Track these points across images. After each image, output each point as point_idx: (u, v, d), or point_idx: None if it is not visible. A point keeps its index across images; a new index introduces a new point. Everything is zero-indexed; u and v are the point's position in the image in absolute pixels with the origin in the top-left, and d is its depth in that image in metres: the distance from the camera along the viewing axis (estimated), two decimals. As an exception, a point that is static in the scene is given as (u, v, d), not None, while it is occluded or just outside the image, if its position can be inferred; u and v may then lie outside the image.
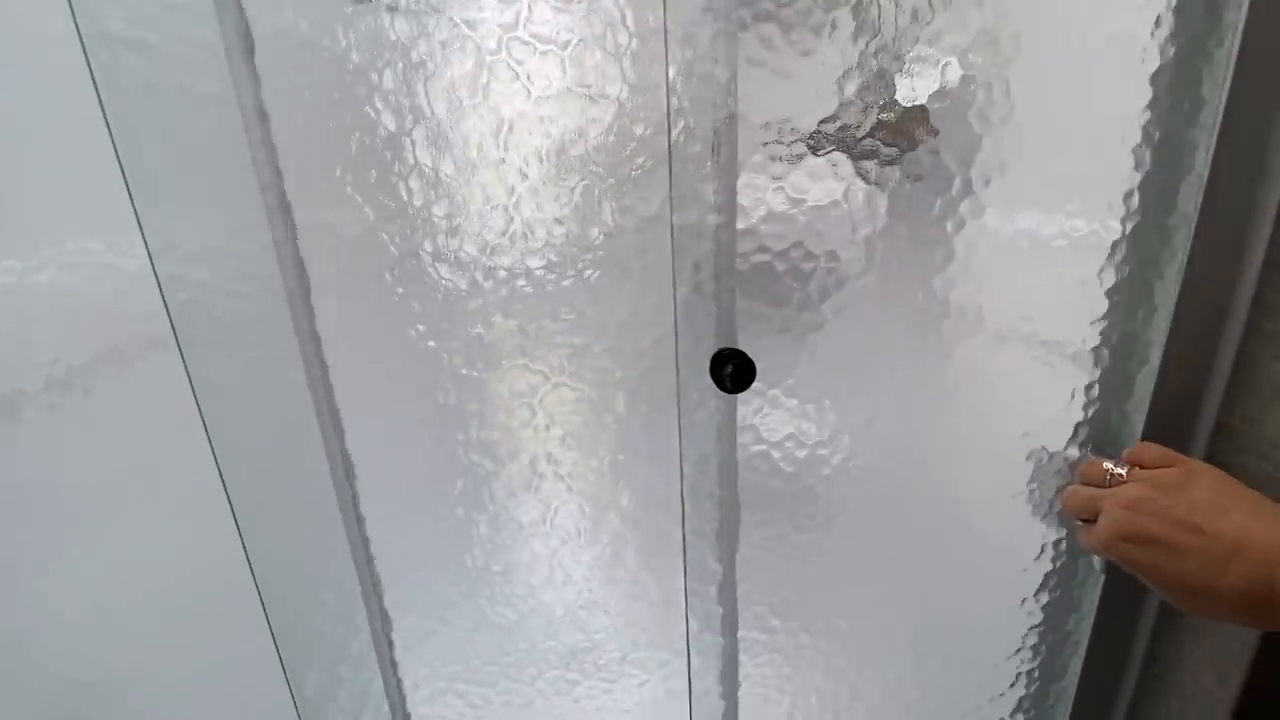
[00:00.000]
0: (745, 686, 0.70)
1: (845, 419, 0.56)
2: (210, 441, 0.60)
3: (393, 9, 0.48)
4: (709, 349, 0.53)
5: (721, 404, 0.57)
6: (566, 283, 0.57)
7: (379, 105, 0.51)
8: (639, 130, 0.52)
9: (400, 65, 0.50)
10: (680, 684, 0.71)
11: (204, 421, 0.59)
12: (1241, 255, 0.47)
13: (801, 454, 0.57)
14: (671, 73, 0.47)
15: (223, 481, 0.62)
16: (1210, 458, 0.51)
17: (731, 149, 0.50)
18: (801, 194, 0.47)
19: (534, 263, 0.56)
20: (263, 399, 0.59)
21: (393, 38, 0.49)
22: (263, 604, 0.67)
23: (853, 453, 0.58)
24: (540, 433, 0.63)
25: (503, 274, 0.56)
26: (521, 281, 0.56)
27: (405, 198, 0.54)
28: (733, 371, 0.52)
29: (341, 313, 0.57)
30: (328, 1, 0.49)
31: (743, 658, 0.68)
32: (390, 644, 0.70)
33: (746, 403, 0.56)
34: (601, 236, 0.55)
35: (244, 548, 0.64)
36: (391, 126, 0.51)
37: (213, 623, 0.67)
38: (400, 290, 0.56)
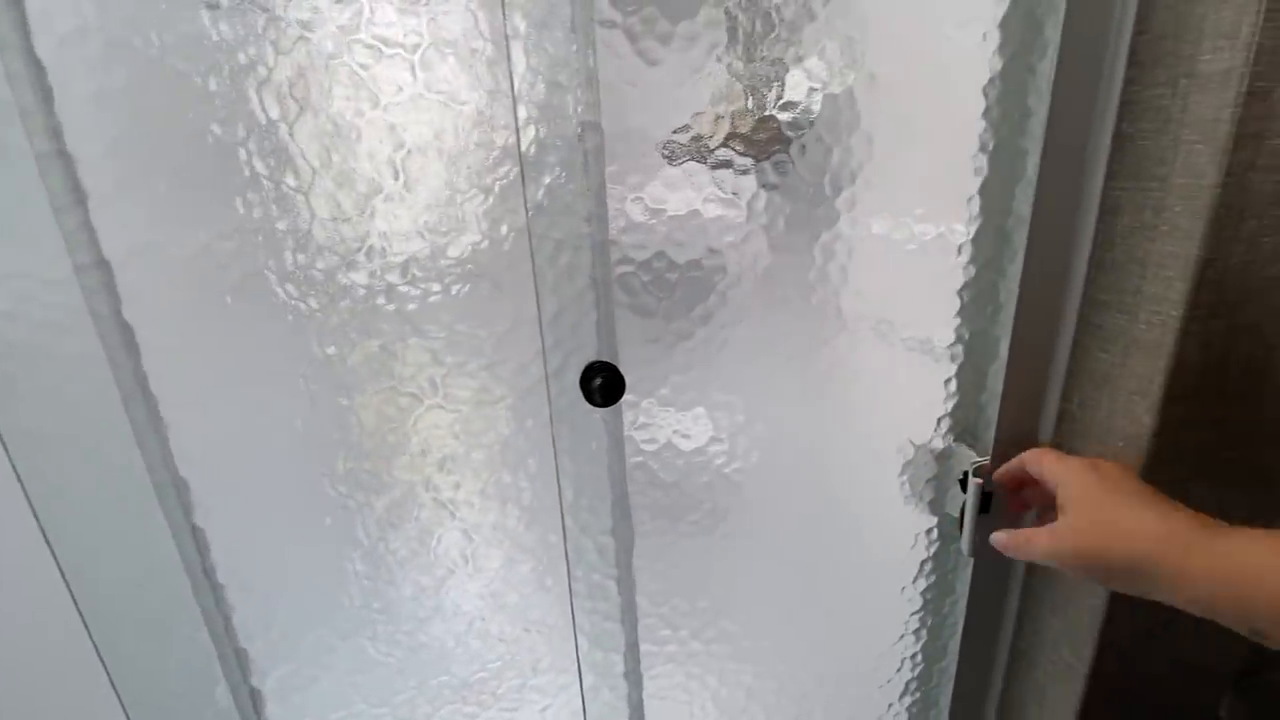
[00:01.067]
0: (649, 700, 0.69)
1: (720, 425, 0.56)
2: (26, 495, 0.53)
3: (213, 7, 0.44)
4: (580, 362, 0.52)
5: (606, 417, 0.56)
6: (433, 299, 0.54)
7: (205, 112, 0.46)
8: (500, 139, 0.50)
9: (226, 69, 0.45)
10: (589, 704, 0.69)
11: (18, 475, 0.52)
12: (1070, 253, 0.51)
13: (679, 463, 0.57)
14: (517, 81, 0.45)
15: (46, 540, 0.55)
16: (1056, 444, 0.55)
17: (598, 159, 0.48)
18: (660, 204, 0.47)
19: (394, 278, 0.52)
20: (84, 446, 0.52)
21: (215, 39, 0.45)
22: (105, 668, 0.59)
23: (731, 458, 0.58)
24: (416, 459, 0.59)
25: (360, 292, 0.52)
26: (382, 299, 0.53)
27: (243, 212, 0.49)
28: (602, 384, 0.51)
29: (176, 343, 0.52)
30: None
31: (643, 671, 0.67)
32: (256, 695, 0.64)
33: (621, 414, 0.55)
34: (469, 249, 0.53)
35: (77, 607, 0.57)
36: (220, 134, 0.47)
37: (51, 689, 0.59)
38: (244, 313, 0.51)
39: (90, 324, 0.48)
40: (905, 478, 0.61)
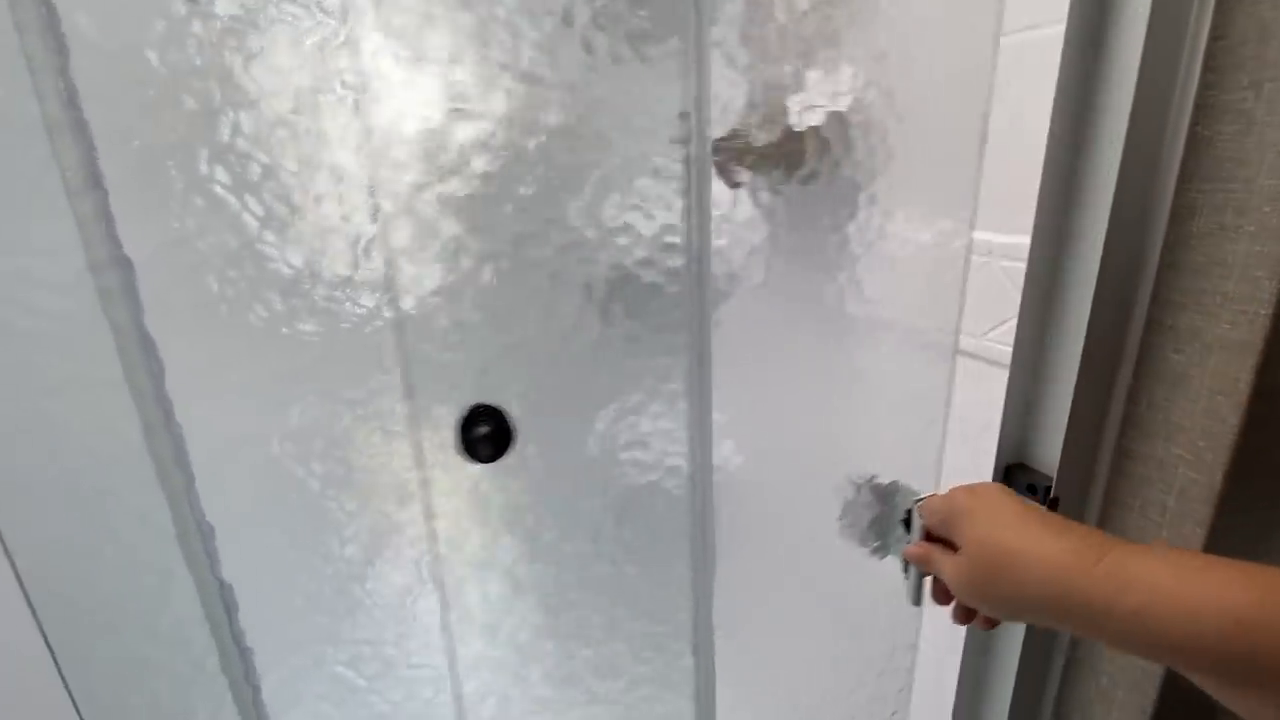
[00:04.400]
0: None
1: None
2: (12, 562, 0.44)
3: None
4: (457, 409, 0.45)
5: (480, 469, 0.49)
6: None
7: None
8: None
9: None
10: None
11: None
12: (1142, 257, 0.51)
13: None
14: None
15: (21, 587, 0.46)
16: (1122, 446, 0.55)
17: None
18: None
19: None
20: (97, 488, 0.44)
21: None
22: None
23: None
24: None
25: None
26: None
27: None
28: (489, 434, 0.44)
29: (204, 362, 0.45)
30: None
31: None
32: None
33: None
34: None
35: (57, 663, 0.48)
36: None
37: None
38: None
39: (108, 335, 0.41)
40: (847, 520, 0.59)
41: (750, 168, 0.69)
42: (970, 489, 0.45)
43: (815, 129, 0.76)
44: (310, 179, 0.42)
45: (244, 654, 0.50)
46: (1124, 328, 0.53)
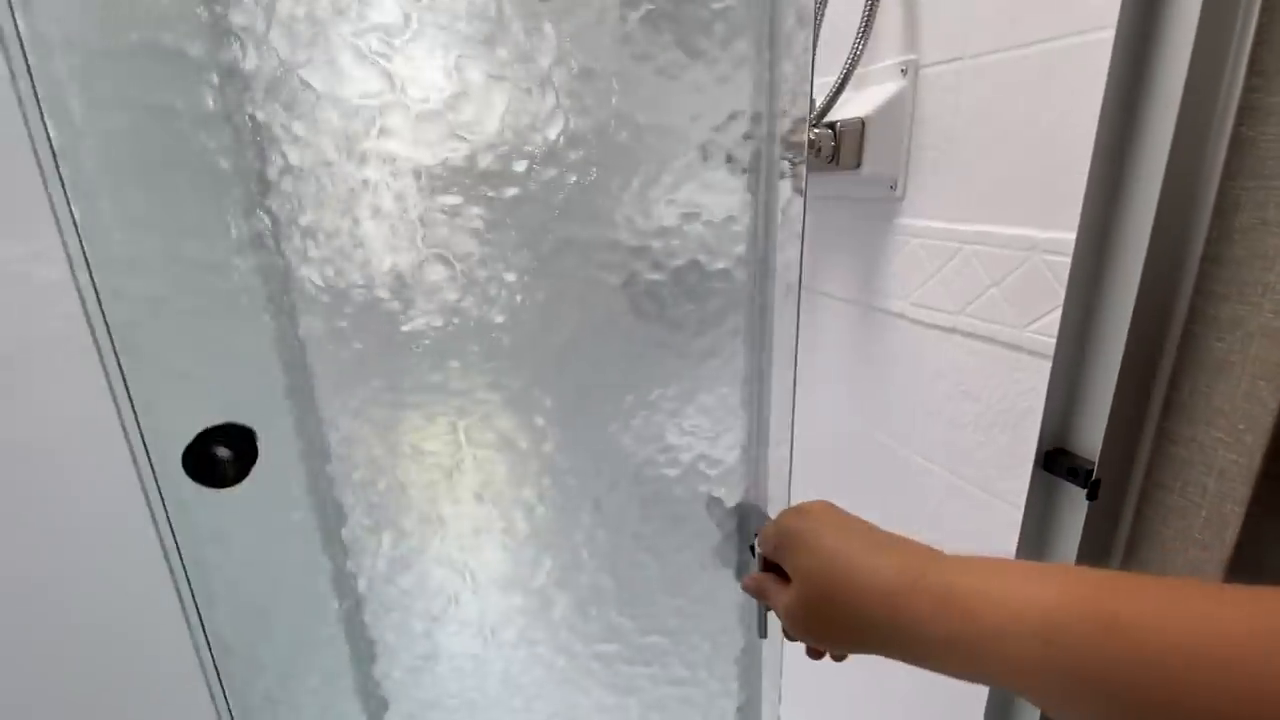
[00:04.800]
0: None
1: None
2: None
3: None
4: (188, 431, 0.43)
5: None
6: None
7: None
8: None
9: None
10: None
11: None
12: (1186, 250, 0.54)
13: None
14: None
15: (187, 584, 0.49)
16: (1162, 428, 0.58)
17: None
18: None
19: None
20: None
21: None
22: None
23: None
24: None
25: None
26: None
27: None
28: (234, 454, 0.41)
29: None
30: None
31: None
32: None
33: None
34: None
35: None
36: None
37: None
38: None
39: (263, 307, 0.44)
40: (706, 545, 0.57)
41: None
42: (798, 510, 0.43)
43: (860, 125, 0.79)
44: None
45: None
46: (1167, 318, 0.56)
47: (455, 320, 0.48)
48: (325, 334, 0.47)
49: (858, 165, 0.81)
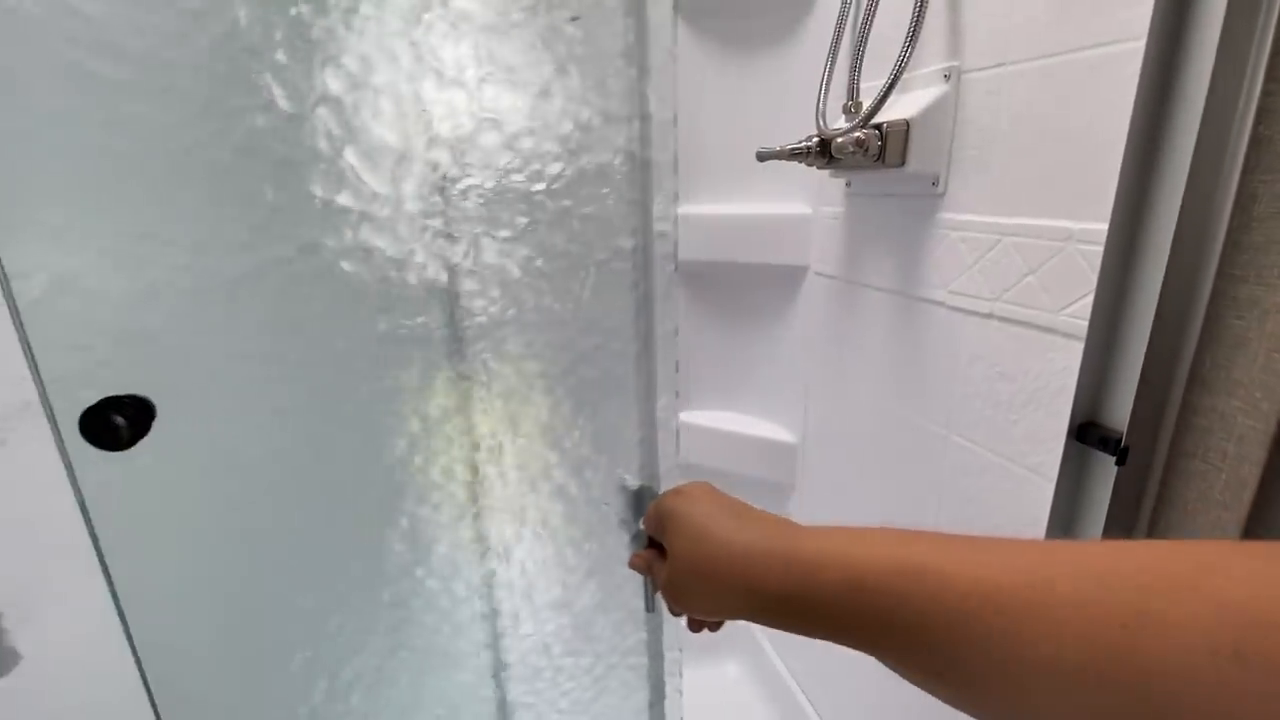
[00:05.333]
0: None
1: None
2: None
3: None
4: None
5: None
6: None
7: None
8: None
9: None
10: None
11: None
12: (1208, 237, 0.60)
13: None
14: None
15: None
16: (1187, 400, 0.64)
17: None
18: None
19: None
20: None
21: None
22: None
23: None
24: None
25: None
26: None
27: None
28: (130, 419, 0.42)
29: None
30: None
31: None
32: None
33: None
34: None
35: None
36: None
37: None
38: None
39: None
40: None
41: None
42: (676, 491, 0.44)
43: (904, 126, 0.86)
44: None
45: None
46: (1191, 300, 0.62)
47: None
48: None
49: (902, 163, 0.88)
